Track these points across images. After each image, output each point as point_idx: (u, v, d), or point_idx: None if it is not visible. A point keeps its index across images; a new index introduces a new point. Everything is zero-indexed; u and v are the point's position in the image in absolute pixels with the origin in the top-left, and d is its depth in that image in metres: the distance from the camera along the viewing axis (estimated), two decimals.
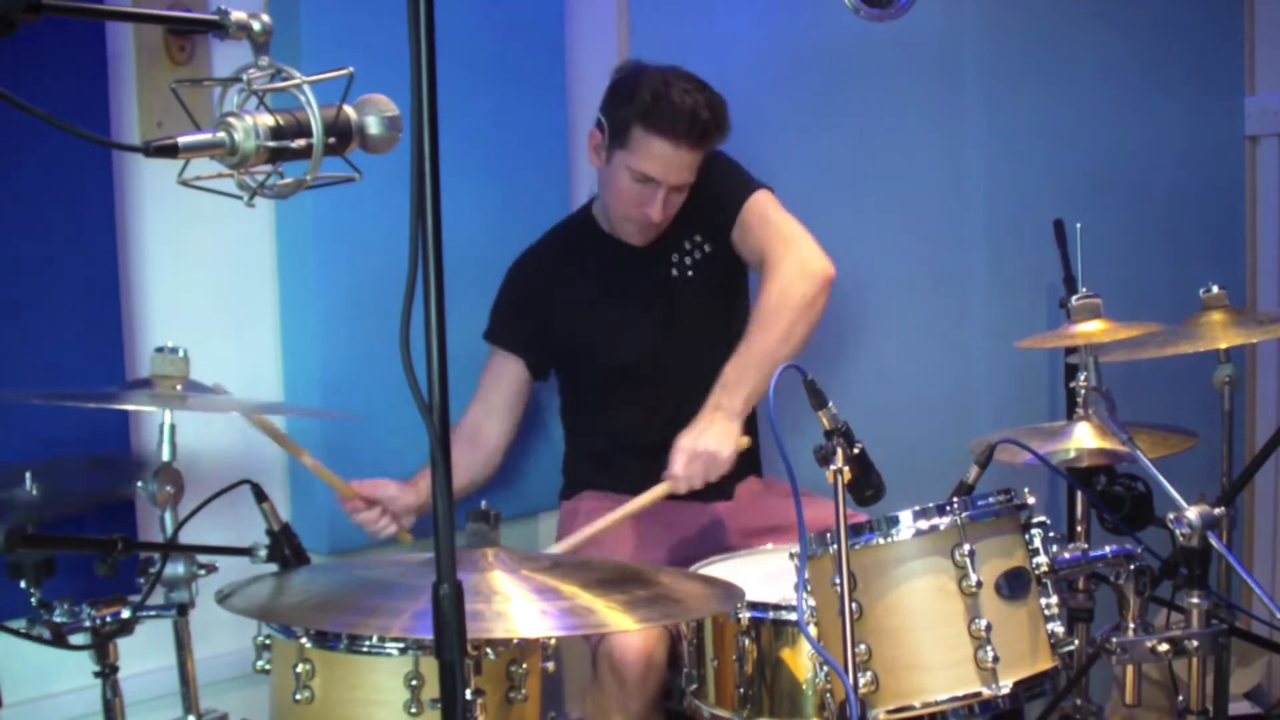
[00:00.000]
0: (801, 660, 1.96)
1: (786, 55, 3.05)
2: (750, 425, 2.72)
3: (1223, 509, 1.83)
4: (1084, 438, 2.26)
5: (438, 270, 1.18)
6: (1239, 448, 3.26)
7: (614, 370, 2.61)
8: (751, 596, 1.92)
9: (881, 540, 1.78)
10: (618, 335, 2.60)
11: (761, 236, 2.47)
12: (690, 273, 2.56)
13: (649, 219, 2.45)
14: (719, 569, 2.28)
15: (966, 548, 1.75)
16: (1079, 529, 2.53)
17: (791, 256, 2.39)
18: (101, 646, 1.83)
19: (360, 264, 2.50)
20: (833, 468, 1.79)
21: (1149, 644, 1.86)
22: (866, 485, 1.89)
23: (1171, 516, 1.84)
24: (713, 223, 2.53)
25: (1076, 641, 1.95)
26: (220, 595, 1.67)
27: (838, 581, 1.70)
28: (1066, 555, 1.85)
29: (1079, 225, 2.76)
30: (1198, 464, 2.86)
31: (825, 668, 1.86)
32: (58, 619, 1.78)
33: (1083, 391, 2.25)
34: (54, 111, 1.05)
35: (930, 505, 1.78)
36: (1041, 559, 1.83)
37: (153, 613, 1.91)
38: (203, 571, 1.96)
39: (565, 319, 2.60)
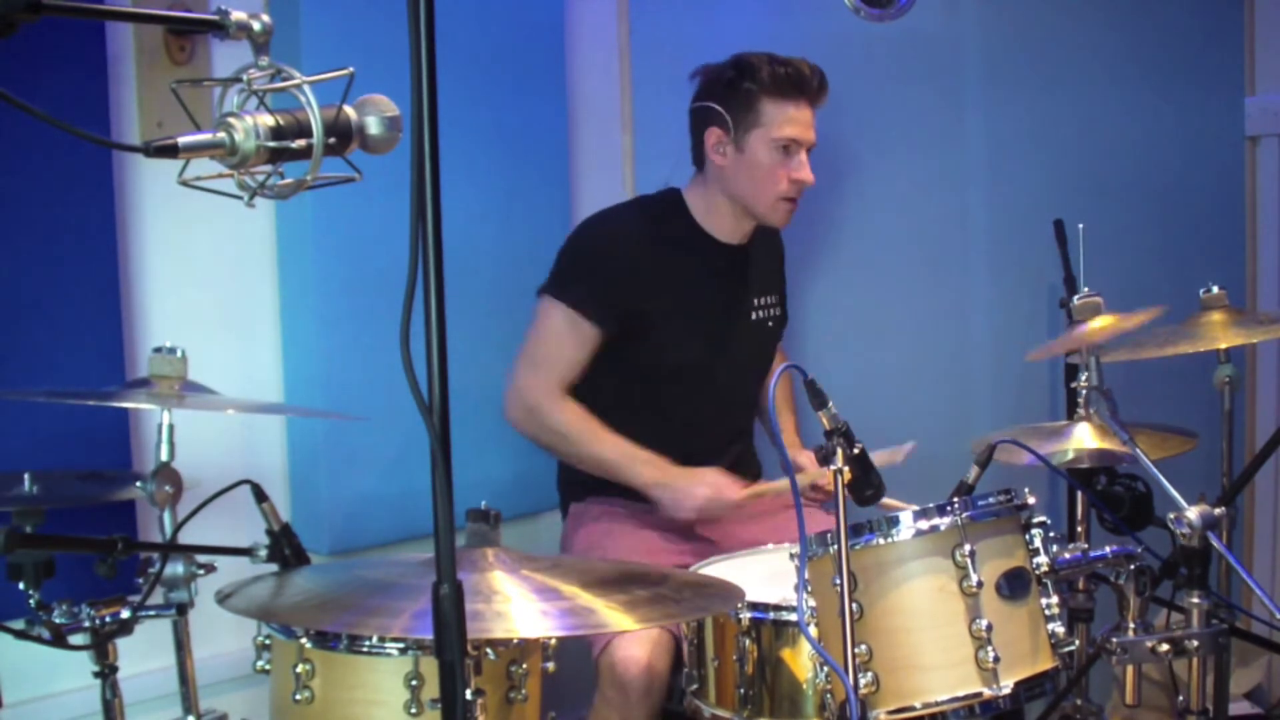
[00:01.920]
0: (802, 660, 1.96)
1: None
2: (747, 433, 2.76)
3: (1223, 509, 1.84)
4: (1084, 438, 2.26)
5: (438, 270, 1.18)
6: (1239, 448, 3.26)
7: (670, 368, 2.54)
8: (751, 596, 1.92)
9: (881, 540, 1.78)
10: (683, 330, 2.53)
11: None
12: (770, 324, 2.70)
13: (804, 182, 2.51)
14: (719, 569, 2.27)
15: (967, 548, 1.75)
16: (1079, 529, 2.53)
17: None
18: (101, 646, 1.83)
19: (360, 264, 2.49)
20: (833, 468, 1.79)
21: (1149, 644, 1.86)
22: (866, 485, 1.88)
23: (1171, 516, 1.84)
24: (782, 305, 2.79)
25: (1077, 641, 1.95)
26: (220, 595, 1.67)
27: (838, 582, 1.70)
28: (1067, 555, 1.85)
29: (1080, 225, 2.76)
30: (1198, 464, 2.86)
31: (825, 668, 1.86)
32: (57, 619, 1.78)
33: (1084, 391, 2.24)
34: (54, 111, 1.05)
35: (930, 505, 1.78)
36: (1042, 559, 1.83)
37: (152, 613, 1.91)
38: (202, 571, 1.95)
39: (638, 290, 2.49)
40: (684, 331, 2.54)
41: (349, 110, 1.23)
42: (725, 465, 2.58)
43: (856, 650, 1.71)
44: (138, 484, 1.95)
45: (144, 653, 2.06)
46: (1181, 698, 2.05)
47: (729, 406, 2.64)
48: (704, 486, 2.41)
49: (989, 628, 1.73)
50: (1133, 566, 1.87)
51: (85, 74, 2.22)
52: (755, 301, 2.66)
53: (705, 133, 2.53)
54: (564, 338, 2.47)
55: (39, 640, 1.75)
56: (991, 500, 1.81)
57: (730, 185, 2.53)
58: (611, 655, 2.19)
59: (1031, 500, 1.85)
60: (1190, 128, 3.47)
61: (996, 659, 1.72)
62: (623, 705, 2.18)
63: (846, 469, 1.79)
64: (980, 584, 1.74)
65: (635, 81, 2.93)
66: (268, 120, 1.17)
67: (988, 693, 1.73)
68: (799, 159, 2.49)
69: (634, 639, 2.17)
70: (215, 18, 1.20)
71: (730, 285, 2.61)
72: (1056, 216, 2.99)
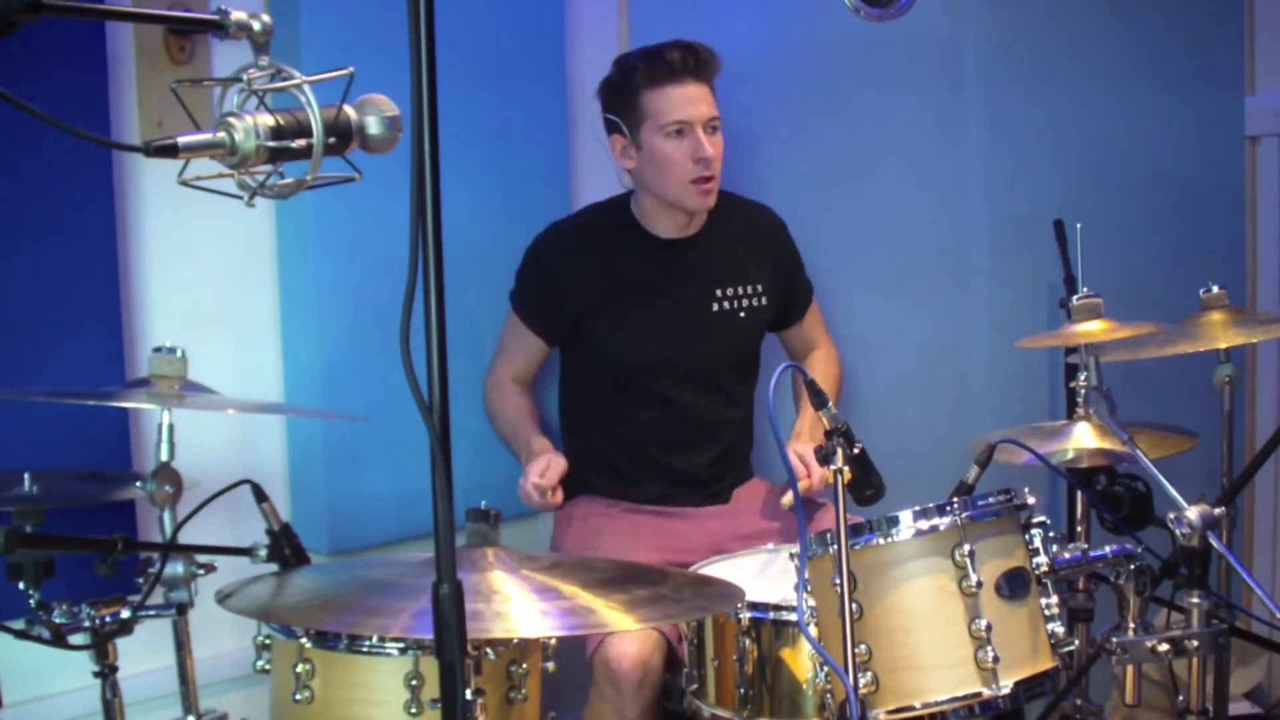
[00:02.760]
0: (802, 660, 1.96)
1: (786, 55, 3.04)
2: (749, 429, 2.75)
3: (1223, 509, 1.84)
4: (1084, 438, 2.26)
5: (438, 270, 1.18)
6: (1239, 448, 3.26)
7: (628, 367, 2.59)
8: (751, 596, 1.92)
9: (881, 540, 1.78)
10: (636, 332, 2.58)
11: (815, 329, 2.87)
12: (742, 314, 2.66)
13: (707, 160, 2.49)
14: (719, 569, 2.28)
15: (966, 548, 1.75)
16: (1079, 529, 2.52)
17: (834, 351, 2.90)
18: (101, 646, 1.83)
19: (360, 263, 2.49)
20: (833, 468, 1.79)
21: (1149, 644, 1.86)
22: (866, 485, 1.89)
23: (1171, 516, 1.84)
24: (782, 293, 2.74)
25: (1076, 641, 1.95)
26: (220, 595, 1.67)
27: (838, 581, 1.70)
28: (1066, 555, 1.86)
29: (1079, 225, 2.76)
30: (1198, 464, 2.86)
31: (825, 668, 1.86)
32: (57, 619, 1.78)
33: (1083, 391, 2.24)
34: (54, 111, 1.05)
35: (930, 505, 1.79)
36: (1041, 559, 1.83)
37: (152, 613, 1.91)
38: (202, 571, 1.95)
39: (581, 301, 2.58)
40: (636, 330, 2.58)
41: (349, 110, 1.23)
42: (712, 456, 2.64)
43: (856, 650, 1.71)
44: (138, 484, 1.95)
45: (144, 653, 2.06)
46: (1181, 698, 2.05)
47: (705, 398, 2.65)
48: (523, 476, 2.48)
49: (988, 628, 1.73)
50: (1133, 566, 1.87)
51: (85, 74, 2.22)
52: (718, 292, 2.64)
53: (610, 143, 2.57)
54: (515, 340, 2.69)
55: (39, 640, 1.75)
56: (991, 500, 1.82)
57: (646, 184, 2.57)
58: (605, 652, 2.19)
59: (1031, 500, 1.85)
60: (1190, 128, 3.47)
61: (996, 659, 1.73)
62: (616, 700, 2.18)
63: (846, 469, 1.79)
64: (980, 584, 1.74)
65: None
66: (268, 120, 1.17)
67: (987, 693, 1.73)
68: (695, 138, 2.48)
69: (626, 635, 2.18)
70: (215, 18, 1.20)
71: (682, 280, 2.61)
72: (1056, 216, 2.99)
